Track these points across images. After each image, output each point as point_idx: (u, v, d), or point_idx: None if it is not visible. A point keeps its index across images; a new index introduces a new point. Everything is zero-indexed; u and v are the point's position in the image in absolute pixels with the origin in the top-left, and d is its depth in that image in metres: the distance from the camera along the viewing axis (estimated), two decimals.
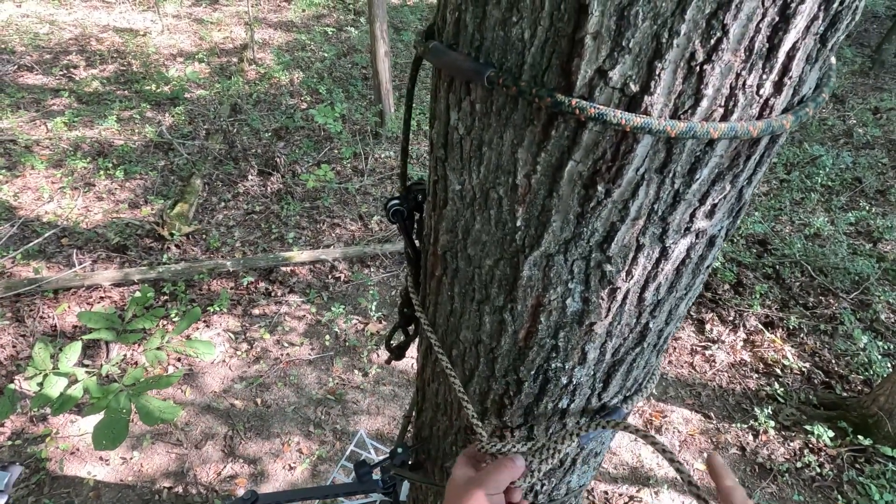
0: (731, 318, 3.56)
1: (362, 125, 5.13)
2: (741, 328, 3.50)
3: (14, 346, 2.99)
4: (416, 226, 0.83)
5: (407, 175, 0.80)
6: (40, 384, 1.92)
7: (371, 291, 3.58)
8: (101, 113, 4.96)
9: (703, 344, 3.41)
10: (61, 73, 5.56)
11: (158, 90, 5.44)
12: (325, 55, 6.41)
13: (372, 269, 3.78)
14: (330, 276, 3.69)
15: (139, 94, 5.38)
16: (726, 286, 3.77)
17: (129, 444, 2.64)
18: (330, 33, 7.08)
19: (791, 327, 3.49)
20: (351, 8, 7.91)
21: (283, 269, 3.66)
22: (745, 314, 3.56)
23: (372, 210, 4.29)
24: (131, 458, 2.60)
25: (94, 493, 2.45)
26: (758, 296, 3.66)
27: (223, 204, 4.19)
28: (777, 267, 3.93)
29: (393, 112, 5.18)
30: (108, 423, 1.78)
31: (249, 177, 4.42)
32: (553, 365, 0.65)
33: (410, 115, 0.69)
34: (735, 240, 4.13)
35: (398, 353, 1.11)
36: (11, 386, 2.29)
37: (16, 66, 5.53)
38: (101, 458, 2.58)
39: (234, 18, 7.29)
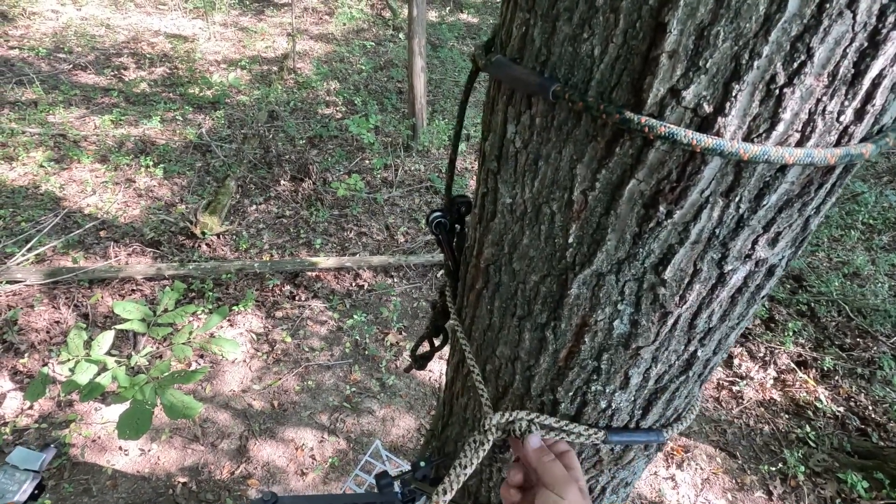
0: (761, 355, 3.43)
1: (394, 138, 5.20)
2: (772, 366, 3.37)
3: (48, 332, 3.09)
4: (456, 238, 0.83)
5: (451, 187, 0.80)
6: (72, 370, 1.97)
7: (393, 302, 3.59)
8: (147, 113, 5.17)
9: (730, 379, 3.29)
10: (112, 73, 5.83)
11: (201, 94, 5.64)
12: (363, 68, 6.56)
13: (395, 280, 3.79)
14: (354, 284, 3.71)
15: (183, 97, 5.59)
16: (757, 321, 3.65)
17: (147, 436, 2.68)
18: (368, 47, 7.25)
19: (825, 368, 3.34)
20: (390, 24, 8.10)
21: (309, 273, 3.70)
22: (777, 351, 3.43)
23: (399, 221, 4.32)
24: (149, 451, 2.63)
25: (112, 483, 2.48)
26: (791, 333, 3.53)
27: (255, 207, 4.28)
28: (812, 304, 3.79)
29: (425, 126, 5.25)
30: (133, 414, 1.82)
31: (282, 182, 4.52)
32: (593, 388, 0.63)
33: (461, 128, 0.69)
34: None
35: (422, 362, 1.10)
36: (44, 369, 2.36)
37: (71, 66, 5.82)
38: (120, 448, 2.62)
39: (277, 29, 7.54)
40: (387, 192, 4.59)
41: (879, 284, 3.92)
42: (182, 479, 2.54)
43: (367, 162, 4.90)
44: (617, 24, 0.40)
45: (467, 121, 5.57)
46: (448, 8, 8.98)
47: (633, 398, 0.64)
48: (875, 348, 3.50)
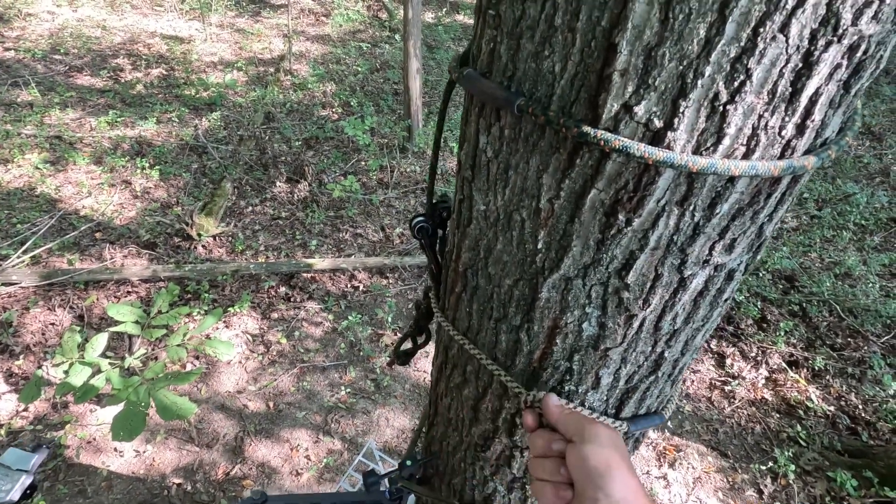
0: (753, 355, 3.46)
1: (390, 139, 5.23)
2: (763, 365, 3.40)
3: (43, 334, 3.10)
4: (439, 242, 0.85)
5: (433, 193, 0.82)
6: (66, 372, 1.99)
7: (388, 303, 3.61)
8: (143, 114, 5.18)
9: (722, 379, 3.32)
10: (108, 75, 5.84)
11: (197, 95, 5.66)
12: (359, 69, 6.58)
13: (391, 281, 3.81)
14: (349, 285, 3.73)
15: (179, 99, 5.60)
16: (749, 321, 3.68)
17: (142, 437, 2.69)
18: (364, 48, 7.27)
19: (816, 368, 3.37)
20: (386, 25, 8.13)
21: (304, 275, 3.72)
22: (769, 351, 3.47)
23: (394, 222, 4.34)
24: (144, 452, 2.65)
25: (107, 484, 2.50)
26: (782, 333, 3.56)
27: (251, 208, 4.30)
28: (804, 305, 3.82)
29: (421, 127, 5.27)
30: (127, 416, 1.83)
31: (278, 183, 4.54)
32: (566, 388, 0.65)
33: (441, 135, 0.71)
34: (761, 274, 4.04)
35: (404, 358, 1.12)
36: (39, 371, 2.37)
37: (67, 67, 5.83)
38: (115, 450, 2.64)
39: (273, 30, 7.56)
40: (382, 193, 4.61)
41: (870, 284, 3.96)
42: (177, 480, 2.55)
43: (363, 163, 4.92)
44: (574, 43, 0.42)
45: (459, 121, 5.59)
46: (444, 9, 9.01)
47: (605, 398, 0.66)
48: (865, 348, 3.53)
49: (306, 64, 6.63)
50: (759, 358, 3.44)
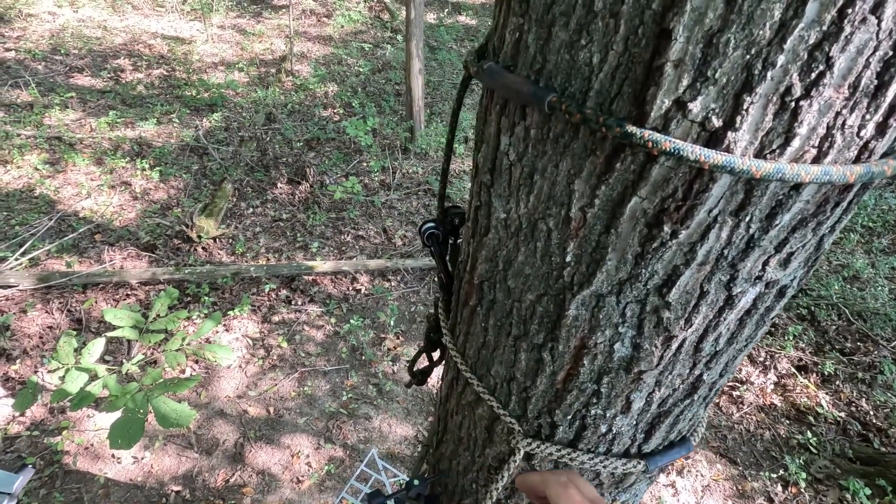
0: (761, 359, 3.40)
1: (392, 140, 5.17)
2: (772, 370, 3.34)
3: (41, 337, 3.05)
4: (450, 250, 0.79)
5: (445, 197, 0.77)
6: (62, 378, 1.94)
7: (391, 306, 3.55)
8: (143, 115, 5.13)
9: (730, 384, 3.26)
10: (109, 75, 5.79)
11: (198, 96, 5.61)
12: (361, 70, 6.53)
13: (393, 284, 3.76)
14: (351, 288, 3.68)
15: (180, 100, 5.56)
16: None
17: (141, 443, 2.64)
18: (366, 49, 7.23)
19: (826, 373, 3.31)
20: (388, 26, 8.08)
21: (305, 277, 3.67)
22: (777, 356, 3.41)
23: (396, 224, 4.29)
24: (143, 459, 2.59)
25: (104, 491, 2.44)
26: (791, 337, 3.50)
27: (251, 210, 4.25)
28: (812, 308, 3.76)
29: (423, 128, 5.22)
30: (125, 423, 1.78)
31: (279, 185, 4.49)
32: (593, 411, 0.60)
33: (454, 137, 0.66)
34: None
35: (421, 378, 1.07)
36: (34, 378, 2.32)
37: (67, 68, 5.78)
38: (113, 456, 2.59)
39: (275, 31, 7.51)
40: (384, 194, 4.55)
41: (879, 288, 3.90)
42: (175, 488, 2.50)
43: (365, 164, 4.87)
44: (617, 31, 0.37)
45: (465, 122, 5.54)
46: (446, 10, 8.96)
47: (634, 422, 0.61)
48: (875, 352, 3.47)
49: (308, 65, 6.59)
50: (767, 363, 3.38)
